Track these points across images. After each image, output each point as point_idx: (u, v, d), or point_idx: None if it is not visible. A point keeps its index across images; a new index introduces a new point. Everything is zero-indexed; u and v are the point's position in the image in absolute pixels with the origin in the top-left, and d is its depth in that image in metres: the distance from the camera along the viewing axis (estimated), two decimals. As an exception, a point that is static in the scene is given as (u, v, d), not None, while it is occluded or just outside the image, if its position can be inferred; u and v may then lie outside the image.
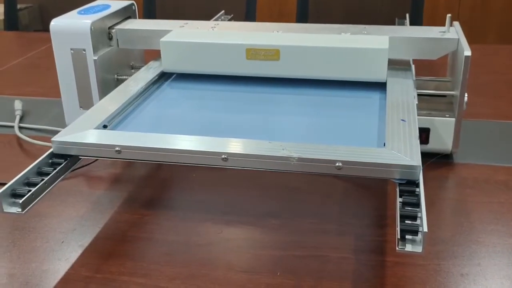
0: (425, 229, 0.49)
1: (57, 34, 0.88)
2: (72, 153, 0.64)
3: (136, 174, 0.83)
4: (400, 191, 0.57)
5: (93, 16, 0.89)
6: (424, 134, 0.82)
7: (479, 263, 0.62)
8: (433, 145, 0.83)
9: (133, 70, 1.00)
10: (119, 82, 0.94)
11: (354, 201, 0.75)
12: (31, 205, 0.58)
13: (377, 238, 0.67)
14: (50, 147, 0.65)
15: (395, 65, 0.87)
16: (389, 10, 1.68)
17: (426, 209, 0.52)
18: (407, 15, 1.25)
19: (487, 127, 0.96)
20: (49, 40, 0.90)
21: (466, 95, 0.79)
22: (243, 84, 0.85)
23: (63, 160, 0.64)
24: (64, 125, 0.94)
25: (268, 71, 0.84)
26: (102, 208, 0.75)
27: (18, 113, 1.02)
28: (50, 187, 0.62)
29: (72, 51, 0.88)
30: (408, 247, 0.50)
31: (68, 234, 0.69)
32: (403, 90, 0.76)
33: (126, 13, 0.98)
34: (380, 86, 0.82)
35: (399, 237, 0.51)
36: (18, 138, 0.95)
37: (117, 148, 0.62)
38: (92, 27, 0.87)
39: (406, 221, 0.52)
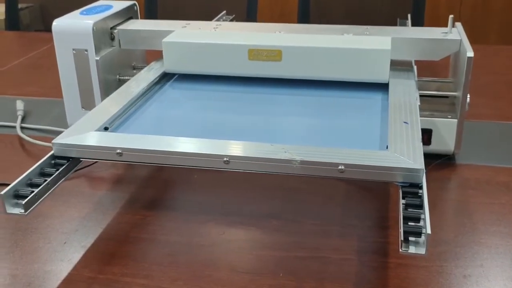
0: (429, 231, 0.49)
1: (59, 35, 0.88)
2: (73, 155, 0.64)
3: (138, 175, 0.83)
4: (403, 192, 0.56)
5: (95, 17, 0.89)
6: (426, 135, 0.82)
7: (481, 265, 0.62)
8: (435, 146, 0.83)
9: (134, 71, 1.00)
10: (121, 82, 0.94)
11: (356, 202, 0.75)
12: (34, 206, 0.59)
13: (380, 240, 0.67)
14: (52, 148, 0.65)
15: (397, 65, 0.87)
16: (390, 9, 1.68)
17: (428, 210, 0.53)
18: (409, 16, 1.25)
19: (489, 128, 0.96)
20: (50, 40, 0.90)
21: (468, 96, 0.79)
22: (245, 85, 0.85)
23: (66, 161, 0.64)
24: (66, 126, 0.95)
25: (270, 72, 0.84)
26: (104, 208, 0.75)
27: (20, 113, 1.02)
28: (53, 188, 0.62)
29: (74, 52, 0.88)
30: (412, 249, 0.50)
31: (71, 235, 0.69)
32: (405, 92, 0.76)
33: (128, 14, 0.98)
34: (382, 87, 0.82)
35: (402, 239, 0.51)
36: (20, 139, 0.95)
37: (118, 151, 0.62)
38: (94, 28, 0.87)
39: (409, 223, 0.53)
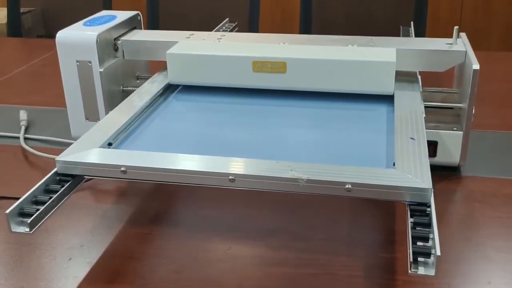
0: (438, 253, 0.49)
1: (63, 46, 0.88)
2: (77, 173, 0.63)
3: (142, 188, 0.83)
4: (410, 210, 0.56)
5: (99, 28, 0.89)
6: (432, 147, 0.82)
7: (489, 282, 0.62)
8: (440, 158, 0.83)
9: (138, 81, 1.00)
10: (125, 93, 0.94)
11: (363, 215, 0.75)
12: (38, 225, 0.58)
13: (387, 255, 0.67)
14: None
15: (402, 76, 0.87)
16: (392, 14, 1.68)
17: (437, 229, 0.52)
18: (412, 23, 1.25)
19: (494, 138, 0.95)
20: (52, 47, 0.90)
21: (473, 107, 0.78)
22: (249, 97, 0.85)
23: (71, 178, 0.64)
24: (69, 136, 0.94)
25: (274, 84, 0.84)
26: (109, 222, 0.74)
27: (23, 124, 1.02)
28: (58, 205, 0.61)
29: (78, 63, 0.88)
30: (421, 270, 0.50)
31: (76, 250, 0.69)
32: (411, 105, 0.76)
33: (131, 24, 0.98)
34: (388, 99, 0.82)
35: (411, 260, 0.50)
36: (24, 150, 0.95)
37: (122, 168, 0.62)
38: (98, 39, 0.87)
39: (418, 243, 0.52)
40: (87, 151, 0.65)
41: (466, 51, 0.82)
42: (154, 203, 0.79)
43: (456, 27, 0.85)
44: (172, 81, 0.87)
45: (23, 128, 1.01)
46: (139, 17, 1.00)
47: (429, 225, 0.54)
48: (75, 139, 0.84)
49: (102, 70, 0.88)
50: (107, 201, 0.80)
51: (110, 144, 0.69)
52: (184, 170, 0.60)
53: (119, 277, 0.64)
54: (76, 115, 0.92)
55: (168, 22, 1.73)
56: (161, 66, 0.92)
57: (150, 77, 0.92)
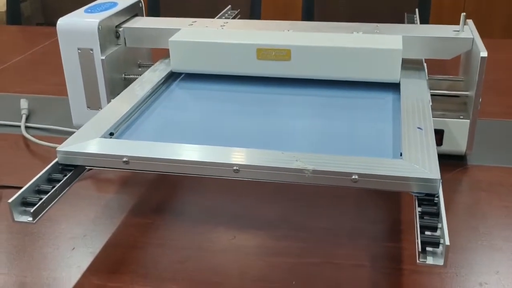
0: (447, 242, 0.48)
1: (64, 34, 0.87)
2: (78, 163, 0.62)
3: (145, 177, 0.82)
4: (418, 200, 0.55)
5: (100, 15, 0.87)
6: (438, 136, 0.81)
7: (497, 271, 0.61)
8: (446, 146, 0.82)
9: (140, 69, 0.99)
10: (126, 81, 0.93)
11: (368, 205, 0.74)
12: (42, 214, 0.57)
13: (393, 245, 0.66)
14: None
15: (408, 64, 0.86)
16: (396, 0, 1.66)
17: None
18: (417, 10, 1.23)
19: (500, 127, 0.94)
20: (52, 34, 0.89)
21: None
22: (253, 85, 0.84)
23: (73, 167, 0.63)
24: (71, 125, 0.93)
25: (279, 71, 0.83)
26: (112, 212, 0.74)
27: (24, 112, 1.01)
28: (61, 194, 0.60)
29: (79, 51, 0.87)
30: (429, 260, 0.49)
31: (79, 240, 0.68)
32: (417, 93, 0.75)
33: (133, 11, 0.96)
34: (393, 86, 0.81)
35: (420, 250, 0.49)
36: (25, 139, 0.94)
37: (124, 159, 0.60)
38: (100, 27, 0.85)
39: (426, 232, 0.51)
40: (88, 141, 0.64)
41: (473, 38, 0.81)
42: (157, 193, 0.78)
43: (463, 14, 0.84)
44: (175, 69, 0.86)
45: (24, 117, 1.00)
46: (140, 3, 0.99)
47: (437, 214, 0.53)
48: (77, 127, 0.83)
49: (103, 57, 0.87)
50: (109, 191, 0.79)
51: (111, 134, 0.68)
52: (187, 161, 0.59)
53: (122, 267, 0.63)
54: (78, 103, 0.91)
55: (169, 9, 1.71)
56: (164, 54, 0.91)
57: (152, 65, 0.90)
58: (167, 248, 0.67)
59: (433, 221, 0.53)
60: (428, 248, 0.50)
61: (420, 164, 0.57)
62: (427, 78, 0.82)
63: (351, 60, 0.79)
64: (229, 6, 1.26)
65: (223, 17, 1.16)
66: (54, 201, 0.59)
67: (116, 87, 0.90)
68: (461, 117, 0.80)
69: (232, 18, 1.17)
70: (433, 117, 0.70)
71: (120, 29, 0.91)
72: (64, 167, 0.63)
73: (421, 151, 0.59)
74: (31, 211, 0.56)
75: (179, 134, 0.70)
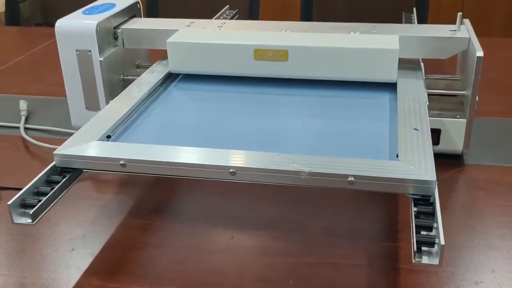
0: (442, 242, 0.49)
1: (62, 35, 0.87)
2: (75, 166, 0.62)
3: (144, 178, 0.82)
4: (414, 200, 0.56)
5: (98, 16, 0.88)
6: (435, 135, 0.81)
7: (493, 270, 0.62)
8: (443, 146, 0.82)
9: (138, 70, 0.99)
10: (125, 82, 0.94)
11: (365, 205, 0.74)
12: (41, 215, 0.58)
13: (390, 244, 0.66)
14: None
15: (405, 63, 0.86)
16: (394, 0, 1.66)
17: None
18: (414, 10, 1.24)
19: (498, 126, 0.95)
20: (51, 35, 0.89)
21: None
22: (250, 85, 0.84)
23: (71, 169, 0.63)
24: (70, 126, 0.94)
25: (276, 72, 0.83)
26: (111, 213, 0.74)
27: (23, 114, 1.01)
28: (60, 196, 0.61)
29: (77, 52, 0.87)
30: (425, 259, 0.50)
31: (78, 241, 0.69)
32: (414, 94, 0.75)
33: (131, 12, 0.97)
34: (390, 86, 0.81)
35: (415, 249, 0.50)
36: (24, 140, 0.94)
37: (121, 162, 0.61)
38: (98, 28, 0.86)
39: (422, 232, 0.52)
40: (85, 144, 0.64)
41: (469, 38, 0.82)
42: (155, 194, 0.79)
43: (459, 14, 0.84)
44: (173, 70, 0.86)
45: (23, 118, 1.00)
46: (138, 5, 0.99)
47: (432, 214, 0.54)
48: (76, 128, 0.84)
49: (102, 59, 0.87)
50: (108, 192, 0.79)
51: (109, 137, 0.68)
52: (184, 164, 0.59)
53: (121, 267, 0.64)
54: (76, 104, 0.91)
55: (167, 10, 1.71)
56: (162, 55, 0.92)
57: (151, 65, 0.91)
58: (166, 249, 0.67)
59: (428, 221, 0.53)
60: (423, 248, 0.51)
61: (416, 166, 0.57)
62: (424, 77, 0.82)
63: (348, 60, 0.80)
64: (227, 6, 1.26)
65: (221, 17, 1.17)
66: (53, 203, 0.60)
67: (114, 88, 0.91)
68: (458, 116, 0.81)
69: (230, 18, 1.18)
70: (430, 116, 0.71)
71: (118, 31, 0.91)
72: (62, 169, 0.63)
73: (417, 152, 0.60)
74: (30, 213, 0.56)
75: (176, 135, 0.70)
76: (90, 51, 0.87)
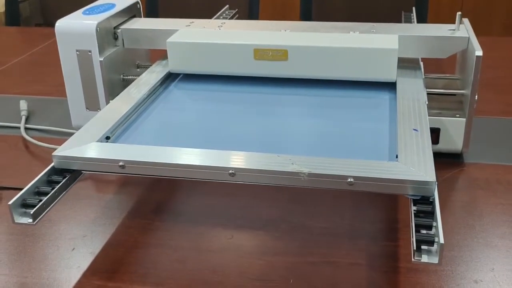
0: (442, 241, 0.49)
1: (62, 36, 0.87)
2: (74, 168, 0.62)
3: (144, 177, 0.83)
4: (414, 199, 0.56)
5: (98, 17, 0.88)
6: (434, 134, 0.81)
7: (492, 269, 0.62)
8: (443, 145, 0.82)
9: (138, 69, 0.99)
10: (125, 82, 0.94)
11: (365, 204, 0.74)
12: (42, 215, 0.58)
13: (389, 243, 0.67)
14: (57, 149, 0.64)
15: (404, 63, 0.86)
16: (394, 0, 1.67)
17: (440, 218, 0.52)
18: (413, 9, 1.24)
19: (497, 125, 0.95)
20: (51, 35, 0.89)
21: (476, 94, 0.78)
22: (250, 85, 0.85)
23: (71, 170, 0.63)
24: (70, 126, 0.94)
25: (276, 72, 0.83)
26: (111, 213, 0.74)
27: (23, 114, 1.02)
28: (61, 196, 0.61)
29: (77, 53, 0.87)
30: (424, 258, 0.50)
31: (79, 241, 0.69)
32: (414, 94, 0.75)
33: (131, 12, 0.97)
34: (390, 85, 0.81)
35: (415, 248, 0.50)
36: (25, 140, 0.94)
37: (120, 163, 0.60)
38: (98, 28, 0.86)
39: (422, 231, 0.52)
40: (84, 145, 0.64)
41: (468, 37, 0.82)
42: (156, 193, 0.79)
43: (458, 13, 0.84)
44: (173, 69, 0.87)
45: (23, 118, 1.00)
46: (138, 5, 0.99)
47: (432, 213, 0.54)
48: (76, 128, 0.84)
49: (102, 59, 0.87)
50: (109, 191, 0.79)
51: (108, 138, 0.68)
52: (183, 165, 0.59)
53: (122, 267, 0.64)
54: (77, 104, 0.92)
55: (167, 10, 1.72)
56: (162, 54, 0.92)
57: (151, 65, 0.91)
58: (167, 248, 0.67)
59: (428, 220, 0.53)
60: (423, 247, 0.51)
61: (416, 167, 0.57)
62: (423, 77, 0.83)
63: (347, 60, 0.80)
64: (227, 6, 1.26)
65: (221, 17, 1.17)
66: (54, 203, 0.60)
67: (114, 88, 0.91)
68: (457, 115, 0.81)
69: (230, 18, 1.18)
70: (429, 115, 0.71)
71: (118, 31, 0.92)
72: (62, 170, 0.63)
73: (416, 153, 0.60)
74: (31, 212, 0.56)
75: (175, 136, 0.70)
76: (90, 51, 0.87)
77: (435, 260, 0.50)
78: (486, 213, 0.72)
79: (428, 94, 0.79)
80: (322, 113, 0.75)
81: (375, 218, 0.71)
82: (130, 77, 0.93)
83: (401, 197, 0.75)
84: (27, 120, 1.01)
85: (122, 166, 0.61)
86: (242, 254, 0.66)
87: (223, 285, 0.61)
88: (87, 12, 0.91)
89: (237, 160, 0.59)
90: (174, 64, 0.86)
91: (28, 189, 0.59)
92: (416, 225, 0.53)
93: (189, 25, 0.93)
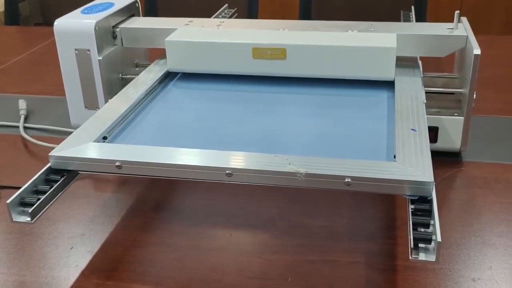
0: (439, 239, 0.49)
1: (61, 35, 0.87)
2: (71, 168, 0.62)
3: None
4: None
5: (97, 16, 0.88)
6: (433, 133, 0.81)
7: (490, 267, 0.62)
8: (441, 143, 0.83)
9: (137, 69, 0.99)
10: (124, 81, 0.94)
11: (363, 202, 0.75)
12: (40, 214, 0.58)
13: (388, 241, 0.67)
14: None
15: (402, 61, 0.86)
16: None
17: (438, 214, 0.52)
18: (412, 8, 1.24)
19: (496, 123, 0.95)
20: (51, 35, 0.89)
21: (474, 92, 0.78)
22: (249, 84, 0.85)
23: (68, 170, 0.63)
24: (69, 125, 0.94)
25: (274, 70, 0.83)
26: (110, 211, 0.74)
27: (22, 113, 1.02)
28: (59, 194, 0.61)
29: (76, 52, 0.88)
30: (422, 256, 0.50)
31: (77, 239, 0.69)
32: (412, 93, 0.75)
33: (129, 11, 0.97)
34: (388, 84, 0.81)
35: (412, 246, 0.50)
36: (23, 139, 0.95)
37: (117, 163, 0.60)
38: (97, 27, 0.86)
39: (419, 229, 0.52)
40: (81, 146, 0.63)
41: (467, 36, 0.82)
42: (154, 192, 0.79)
43: (457, 12, 0.84)
44: (171, 68, 0.87)
45: (22, 117, 1.01)
46: (137, 4, 0.99)
47: (430, 211, 0.54)
48: (75, 128, 0.84)
49: (101, 58, 0.87)
50: (107, 190, 0.80)
51: (105, 138, 0.68)
52: (180, 165, 0.59)
53: (121, 266, 0.64)
54: (76, 103, 0.92)
55: (166, 9, 1.72)
56: (161, 54, 0.92)
57: (150, 64, 0.91)
58: (165, 247, 0.67)
59: (425, 218, 0.53)
60: (420, 245, 0.51)
61: (414, 167, 0.57)
62: (421, 75, 0.83)
63: (346, 59, 0.80)
64: (226, 5, 1.26)
65: (220, 16, 1.17)
66: (52, 201, 0.60)
67: (113, 87, 0.91)
68: (456, 114, 0.81)
69: (229, 17, 1.18)
70: (427, 114, 0.71)
71: (117, 30, 0.92)
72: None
73: (414, 153, 0.59)
74: (29, 211, 0.57)
75: (173, 135, 0.70)
76: (89, 50, 0.87)
77: (432, 258, 0.50)
78: (484, 211, 0.72)
79: (426, 92, 0.79)
80: (320, 112, 0.75)
81: (374, 217, 0.71)
82: (129, 76, 0.94)
83: (399, 195, 0.75)
84: (26, 119, 1.01)
85: (119, 167, 0.60)
86: (241, 252, 0.66)
87: (222, 284, 0.61)
88: (86, 11, 0.91)
89: (234, 160, 0.59)
90: (172, 63, 0.86)
91: (26, 187, 0.59)
92: (413, 223, 0.53)
93: (188, 24, 0.93)
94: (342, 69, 0.81)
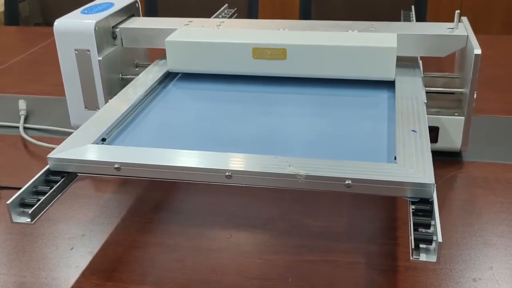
0: (440, 239, 0.49)
1: (61, 35, 0.87)
2: (70, 170, 0.62)
3: (143, 176, 0.83)
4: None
5: (97, 16, 0.88)
6: (433, 133, 0.81)
7: (491, 267, 0.62)
8: (442, 143, 0.82)
9: (137, 69, 0.99)
10: (124, 81, 0.94)
11: (364, 202, 0.74)
12: (40, 215, 0.58)
13: (388, 242, 0.67)
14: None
15: (403, 61, 0.86)
16: (393, -1, 1.67)
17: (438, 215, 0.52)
18: (412, 8, 1.24)
19: (496, 123, 0.95)
20: (50, 35, 0.89)
21: (475, 92, 0.78)
22: (249, 84, 0.85)
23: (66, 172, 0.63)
24: (69, 125, 0.94)
25: (274, 70, 0.83)
26: (110, 212, 0.74)
27: (22, 113, 1.02)
28: (59, 195, 0.61)
29: (76, 52, 0.87)
30: (423, 257, 0.50)
31: (77, 240, 0.69)
32: (412, 92, 0.75)
33: (129, 11, 0.97)
34: (389, 84, 0.81)
35: (413, 246, 0.50)
36: (23, 139, 0.94)
37: (116, 165, 0.60)
38: (97, 28, 0.86)
39: (420, 230, 0.52)
40: (80, 147, 0.63)
41: (467, 35, 0.82)
42: (154, 192, 0.79)
43: (457, 11, 0.84)
44: (171, 68, 0.87)
45: (22, 118, 1.00)
46: (137, 4, 0.99)
47: (430, 212, 0.54)
48: (75, 128, 0.84)
49: (100, 58, 0.87)
50: (107, 190, 0.79)
51: (104, 140, 0.67)
52: (179, 167, 0.59)
53: (121, 266, 0.64)
54: (75, 104, 0.92)
55: (166, 9, 1.71)
56: (161, 54, 0.92)
57: (149, 64, 0.91)
58: (165, 247, 0.67)
59: (426, 219, 0.53)
60: (421, 245, 0.51)
61: (414, 168, 0.56)
62: (422, 75, 0.82)
63: (346, 59, 0.80)
64: (226, 5, 1.26)
65: (220, 16, 1.17)
66: (52, 202, 0.60)
67: (113, 87, 0.91)
68: (456, 114, 0.81)
69: (229, 17, 1.18)
70: (428, 114, 0.71)
71: (117, 30, 0.91)
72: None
73: (415, 154, 0.59)
74: (30, 212, 0.56)
75: (173, 136, 0.70)
76: (88, 50, 0.87)
77: (433, 258, 0.50)
78: (485, 211, 0.72)
79: (427, 92, 0.79)
80: (320, 112, 0.75)
81: (374, 217, 0.71)
82: (129, 76, 0.93)
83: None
84: (26, 120, 1.01)
85: (118, 168, 0.60)
86: (241, 253, 0.66)
87: (222, 284, 0.61)
88: (86, 11, 0.91)
89: (234, 162, 0.59)
90: (172, 63, 0.86)
91: (26, 188, 0.59)
92: (414, 224, 0.53)
93: (188, 24, 0.93)
94: (342, 69, 0.81)
